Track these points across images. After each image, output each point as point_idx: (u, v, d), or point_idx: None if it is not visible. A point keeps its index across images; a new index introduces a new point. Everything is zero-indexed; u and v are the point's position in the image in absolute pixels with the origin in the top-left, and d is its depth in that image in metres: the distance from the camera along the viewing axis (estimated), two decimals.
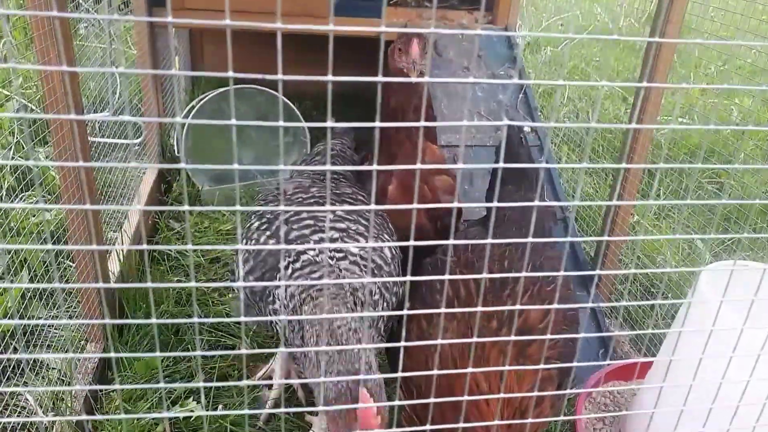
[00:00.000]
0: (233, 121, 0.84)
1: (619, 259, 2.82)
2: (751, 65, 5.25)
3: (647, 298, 2.87)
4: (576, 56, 6.04)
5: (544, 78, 5.53)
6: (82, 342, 2.46)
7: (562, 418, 1.61)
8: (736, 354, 1.14)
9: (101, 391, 2.30)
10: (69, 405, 2.12)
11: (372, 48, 3.30)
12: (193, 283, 0.95)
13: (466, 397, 1.17)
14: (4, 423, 2.01)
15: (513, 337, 1.24)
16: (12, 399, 2.17)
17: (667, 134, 4.37)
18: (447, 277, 0.99)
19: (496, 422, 1.38)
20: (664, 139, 4.42)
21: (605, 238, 2.81)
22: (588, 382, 1.79)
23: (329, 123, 0.79)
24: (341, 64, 0.83)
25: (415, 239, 1.86)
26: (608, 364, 2.14)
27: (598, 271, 2.81)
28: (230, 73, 0.78)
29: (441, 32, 1.20)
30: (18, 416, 2.07)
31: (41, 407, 2.11)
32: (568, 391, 1.88)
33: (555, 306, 1.14)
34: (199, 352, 1.05)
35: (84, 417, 2.15)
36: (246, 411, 2.03)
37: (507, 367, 1.50)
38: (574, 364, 1.77)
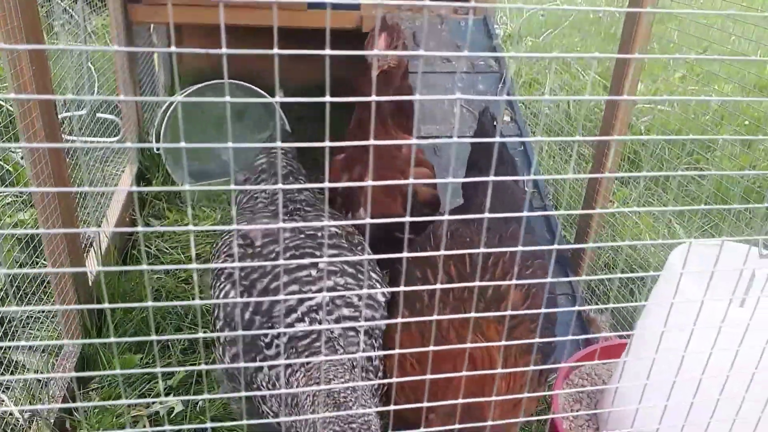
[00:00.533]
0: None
1: (599, 247, 2.83)
2: (731, 51, 5.28)
3: (629, 287, 2.88)
4: (557, 46, 6.05)
5: (526, 69, 5.54)
6: (61, 338, 2.43)
7: (539, 393, 1.62)
8: (699, 326, 1.15)
9: (80, 389, 2.28)
10: (47, 400, 2.10)
11: (354, 39, 3.28)
12: (194, 265, 0.93)
13: (464, 373, 1.17)
14: None
15: (495, 313, 1.24)
16: None
17: (647, 121, 4.39)
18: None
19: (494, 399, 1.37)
20: (645, 126, 4.44)
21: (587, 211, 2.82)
22: (565, 362, 1.80)
23: (277, 98, 0.78)
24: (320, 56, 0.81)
25: (391, 230, 1.85)
26: (585, 340, 2.15)
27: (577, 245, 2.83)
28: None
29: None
30: None
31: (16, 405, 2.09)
32: (549, 366, 1.89)
33: (537, 281, 1.14)
34: (201, 335, 1.03)
35: (64, 405, 2.14)
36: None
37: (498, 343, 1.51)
38: (554, 339, 1.77)
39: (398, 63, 2.27)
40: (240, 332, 1.68)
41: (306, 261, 1.74)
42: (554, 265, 2.49)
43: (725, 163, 3.90)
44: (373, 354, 1.68)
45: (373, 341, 1.70)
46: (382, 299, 1.80)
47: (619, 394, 1.54)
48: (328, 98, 0.81)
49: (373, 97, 0.86)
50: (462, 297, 1.70)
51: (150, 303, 0.96)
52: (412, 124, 2.61)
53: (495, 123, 2.60)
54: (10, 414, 2.02)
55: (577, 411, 1.69)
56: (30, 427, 2.02)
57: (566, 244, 3.00)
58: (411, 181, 1.01)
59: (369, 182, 0.95)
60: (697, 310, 1.17)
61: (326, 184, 0.98)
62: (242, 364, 1.55)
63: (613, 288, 2.86)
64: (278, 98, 0.79)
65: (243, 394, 1.39)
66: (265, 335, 1.60)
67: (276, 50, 0.74)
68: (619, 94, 2.61)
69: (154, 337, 1.08)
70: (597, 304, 2.78)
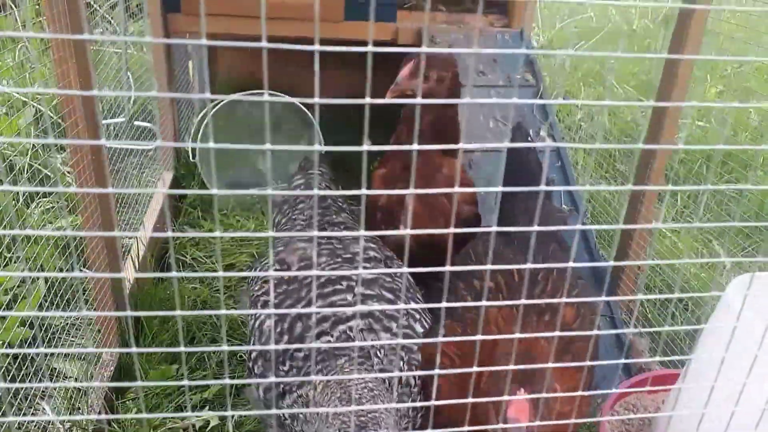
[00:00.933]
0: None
1: (638, 267, 2.78)
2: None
3: (669, 309, 2.82)
4: (591, 59, 5.98)
5: (560, 81, 5.48)
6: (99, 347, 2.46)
7: (588, 420, 1.58)
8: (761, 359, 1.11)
9: (117, 399, 2.29)
10: (86, 409, 2.12)
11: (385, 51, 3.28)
12: (220, 273, 0.93)
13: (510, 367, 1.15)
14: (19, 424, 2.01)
15: (550, 333, 1.21)
16: (30, 408, 2.17)
17: (684, 140, 4.31)
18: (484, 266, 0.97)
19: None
20: (681, 144, 4.36)
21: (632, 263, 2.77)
22: (611, 396, 1.76)
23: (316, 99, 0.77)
24: (353, 68, 0.81)
25: (432, 249, 1.83)
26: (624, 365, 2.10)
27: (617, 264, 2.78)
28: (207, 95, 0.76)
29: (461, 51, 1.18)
30: (36, 425, 2.07)
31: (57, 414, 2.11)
32: (599, 392, 1.86)
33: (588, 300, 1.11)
34: (225, 348, 1.02)
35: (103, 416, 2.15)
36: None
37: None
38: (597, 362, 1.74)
39: (437, 83, 2.23)
40: (270, 346, 1.66)
41: (342, 285, 1.73)
42: (593, 287, 2.45)
43: (767, 180, 3.82)
44: (410, 373, 1.66)
45: (411, 368, 1.68)
46: (420, 329, 1.78)
47: (673, 426, 1.50)
48: (367, 100, 0.80)
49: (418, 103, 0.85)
50: (512, 313, 1.67)
51: (179, 311, 0.96)
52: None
53: (530, 137, 2.56)
54: (51, 423, 2.04)
55: None
56: None
57: (605, 266, 2.95)
58: (455, 189, 0.99)
59: (411, 190, 0.94)
60: (758, 342, 1.14)
61: (363, 191, 0.96)
62: (273, 379, 1.53)
63: (657, 314, 2.80)
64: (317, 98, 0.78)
65: (274, 411, 1.38)
66: (294, 359, 1.59)
67: (317, 47, 0.73)
68: (662, 117, 2.56)
69: (183, 349, 1.07)
70: (636, 327, 2.73)
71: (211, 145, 0.88)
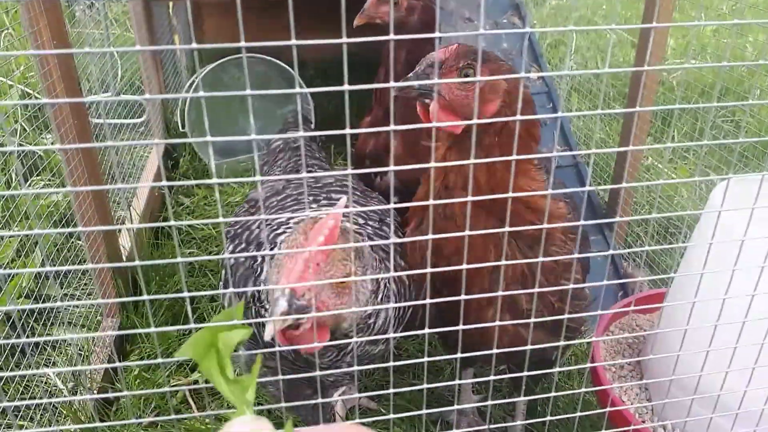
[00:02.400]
0: (248, 91, 0.80)
1: (635, 200, 2.76)
2: (764, 1, 5.06)
3: (667, 239, 2.81)
4: (582, 5, 5.88)
5: (550, 27, 5.40)
6: (98, 317, 2.47)
7: (581, 340, 1.58)
8: (742, 265, 1.09)
9: (120, 361, 2.31)
10: (89, 372, 2.14)
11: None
12: (221, 218, 0.92)
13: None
14: (28, 403, 2.04)
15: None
16: (34, 376, 2.19)
17: (680, 75, 4.25)
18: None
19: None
20: (676, 81, 4.30)
21: (623, 185, 2.75)
22: (605, 317, 1.75)
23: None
24: (334, 27, 0.79)
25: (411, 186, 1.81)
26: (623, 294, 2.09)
27: (617, 219, 2.75)
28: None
29: None
30: (41, 393, 2.09)
31: (62, 382, 2.13)
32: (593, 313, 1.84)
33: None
34: (231, 290, 1.03)
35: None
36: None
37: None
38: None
39: (408, 12, 2.15)
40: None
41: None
42: (588, 221, 2.41)
43: (763, 112, 3.76)
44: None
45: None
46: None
47: (662, 342, 1.49)
48: (344, 39, 0.78)
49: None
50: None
51: (180, 259, 0.95)
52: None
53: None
54: (54, 386, 2.06)
55: (618, 361, 1.64)
56: (74, 399, 2.06)
57: (600, 200, 2.93)
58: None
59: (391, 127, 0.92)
60: (740, 247, 1.12)
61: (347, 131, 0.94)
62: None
63: (649, 240, 2.78)
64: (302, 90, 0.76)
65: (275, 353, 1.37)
66: (254, 260, 1.59)
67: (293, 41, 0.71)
68: (646, 50, 2.51)
69: (186, 294, 1.07)
70: (634, 259, 2.72)
71: (201, 94, 0.84)
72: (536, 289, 1.13)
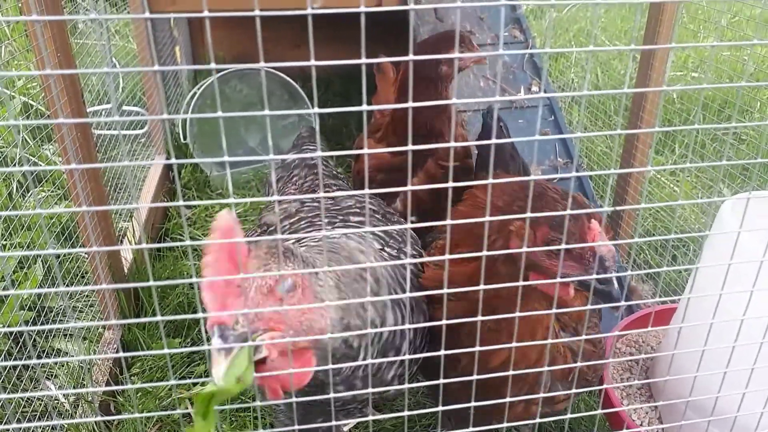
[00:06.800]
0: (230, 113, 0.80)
1: (637, 213, 2.76)
2: (762, 13, 5.09)
3: (672, 253, 2.80)
4: (582, 18, 5.92)
5: (550, 42, 5.43)
6: (100, 330, 2.46)
7: (587, 363, 1.56)
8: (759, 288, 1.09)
9: (121, 375, 2.30)
10: (91, 385, 2.12)
11: (375, 20, 3.23)
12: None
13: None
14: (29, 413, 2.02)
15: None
16: (36, 387, 2.17)
17: (679, 91, 4.27)
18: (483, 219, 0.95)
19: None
20: (676, 94, 4.31)
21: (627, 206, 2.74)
22: (613, 330, 1.74)
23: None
24: (341, 44, 0.79)
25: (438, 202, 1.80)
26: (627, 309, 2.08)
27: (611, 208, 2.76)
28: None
29: None
30: (40, 402, 2.07)
31: (63, 395, 2.11)
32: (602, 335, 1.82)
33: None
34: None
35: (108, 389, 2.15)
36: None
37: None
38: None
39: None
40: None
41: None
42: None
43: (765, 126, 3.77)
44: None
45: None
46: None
47: (673, 361, 1.48)
48: (363, 60, 0.78)
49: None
50: None
51: (194, 279, 0.95)
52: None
53: (501, 124, 2.39)
54: (56, 399, 2.04)
55: (627, 380, 1.63)
56: (75, 411, 2.04)
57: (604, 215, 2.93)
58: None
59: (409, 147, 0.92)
60: (757, 267, 1.11)
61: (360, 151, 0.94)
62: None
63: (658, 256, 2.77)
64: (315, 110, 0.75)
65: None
66: None
67: (309, 11, 0.71)
68: (649, 64, 2.53)
69: (200, 315, 1.05)
70: (643, 280, 2.71)
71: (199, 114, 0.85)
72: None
